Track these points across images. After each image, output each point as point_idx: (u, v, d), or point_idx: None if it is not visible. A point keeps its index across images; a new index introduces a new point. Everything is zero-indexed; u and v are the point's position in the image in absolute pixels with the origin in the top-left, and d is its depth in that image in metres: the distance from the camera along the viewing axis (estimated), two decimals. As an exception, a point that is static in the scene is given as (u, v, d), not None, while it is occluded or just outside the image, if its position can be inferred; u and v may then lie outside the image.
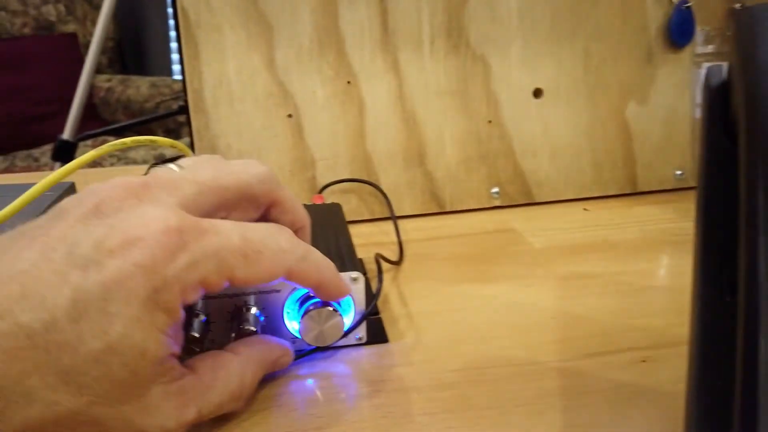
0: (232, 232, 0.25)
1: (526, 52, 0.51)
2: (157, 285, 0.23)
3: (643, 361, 0.32)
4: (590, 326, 0.36)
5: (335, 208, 0.41)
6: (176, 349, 0.25)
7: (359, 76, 0.48)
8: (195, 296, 0.24)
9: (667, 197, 0.55)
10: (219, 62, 0.46)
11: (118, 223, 0.23)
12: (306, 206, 0.41)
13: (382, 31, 0.48)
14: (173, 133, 2.25)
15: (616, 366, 0.32)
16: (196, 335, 0.28)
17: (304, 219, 0.31)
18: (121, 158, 2.15)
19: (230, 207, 0.27)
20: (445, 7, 0.48)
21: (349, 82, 0.48)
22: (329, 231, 0.36)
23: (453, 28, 0.49)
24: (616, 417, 0.28)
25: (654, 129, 0.54)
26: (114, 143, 0.46)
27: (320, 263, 0.29)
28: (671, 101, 0.54)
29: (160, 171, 0.28)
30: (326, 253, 0.33)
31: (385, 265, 0.41)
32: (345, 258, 0.32)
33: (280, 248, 0.26)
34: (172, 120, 2.17)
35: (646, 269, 0.43)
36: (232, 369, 0.27)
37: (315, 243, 0.35)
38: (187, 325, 0.29)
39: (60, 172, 0.41)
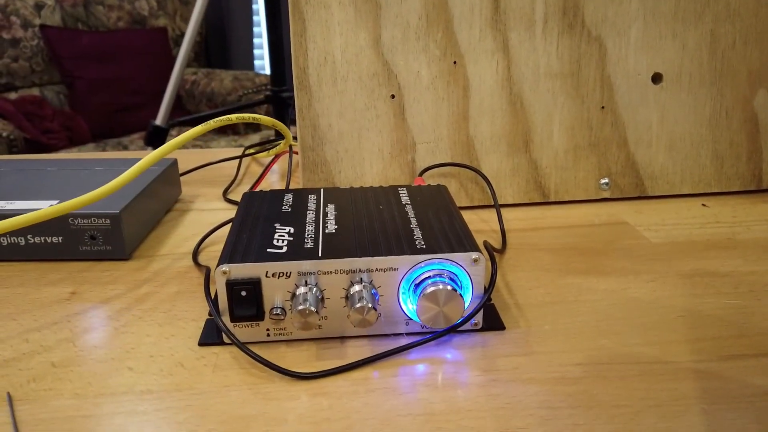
0: None
1: (646, 33, 0.47)
2: None
3: (791, 368, 0.29)
4: (724, 327, 0.33)
5: (442, 190, 0.39)
6: None
7: (466, 56, 0.47)
8: None
9: (796, 196, 0.51)
10: (325, 39, 0.45)
11: None
12: (413, 187, 0.40)
13: (493, 9, 0.46)
14: (252, 125, 2.29)
15: (759, 370, 0.29)
16: (313, 309, 0.28)
17: None
18: (204, 147, 2.22)
19: None
20: (559, -14, 0.46)
21: (455, 62, 0.47)
22: (442, 212, 0.35)
23: (569, 7, 0.46)
24: (766, 427, 0.25)
25: (785, 120, 0.50)
26: (220, 119, 0.46)
27: None
28: (806, 90, 0.49)
29: None
30: (442, 233, 0.32)
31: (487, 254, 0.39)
32: (463, 239, 0.31)
33: None
34: (253, 111, 2.23)
35: (781, 270, 0.39)
36: None
37: (428, 223, 0.33)
38: (303, 300, 0.28)
39: (168, 146, 0.42)
